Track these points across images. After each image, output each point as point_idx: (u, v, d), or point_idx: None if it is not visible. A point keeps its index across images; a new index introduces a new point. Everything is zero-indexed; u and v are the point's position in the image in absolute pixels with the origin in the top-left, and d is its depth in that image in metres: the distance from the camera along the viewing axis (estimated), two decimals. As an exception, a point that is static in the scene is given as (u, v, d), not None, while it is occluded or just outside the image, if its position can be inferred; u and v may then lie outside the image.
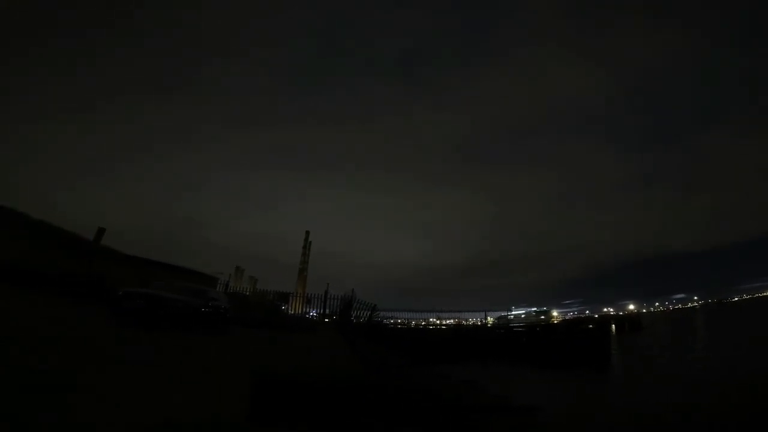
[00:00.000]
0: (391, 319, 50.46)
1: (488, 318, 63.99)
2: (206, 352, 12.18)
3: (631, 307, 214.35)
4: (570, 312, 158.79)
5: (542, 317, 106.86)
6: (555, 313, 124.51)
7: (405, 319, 54.56)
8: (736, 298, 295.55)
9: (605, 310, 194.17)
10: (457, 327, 58.29)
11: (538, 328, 55.31)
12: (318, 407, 7.01)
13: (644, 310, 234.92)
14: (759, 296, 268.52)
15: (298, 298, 44.56)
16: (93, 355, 8.22)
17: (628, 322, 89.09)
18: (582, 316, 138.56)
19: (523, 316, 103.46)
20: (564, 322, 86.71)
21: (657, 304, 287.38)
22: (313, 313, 40.66)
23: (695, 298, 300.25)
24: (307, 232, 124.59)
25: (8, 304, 12.68)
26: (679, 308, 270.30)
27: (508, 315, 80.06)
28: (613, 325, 75.92)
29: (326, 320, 35.98)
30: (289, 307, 42.86)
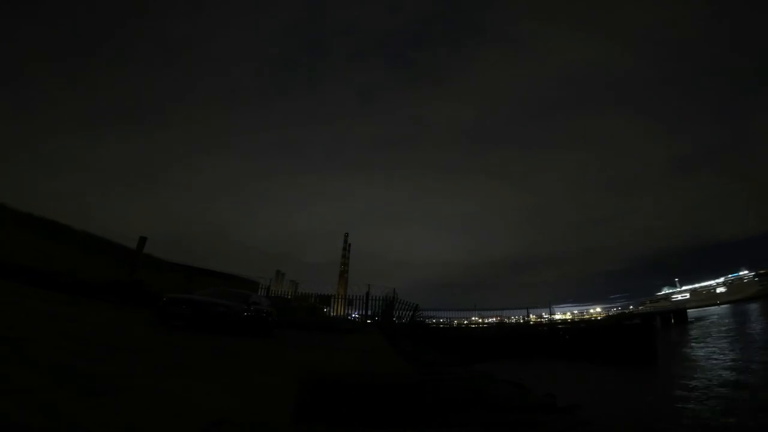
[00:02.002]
0: (433, 318, 50.14)
1: (531, 315, 63.08)
2: (251, 355, 12.15)
3: (677, 299, 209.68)
4: (614, 307, 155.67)
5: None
6: (598, 309, 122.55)
7: (447, 318, 54.28)
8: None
9: (649, 304, 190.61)
10: (500, 325, 57.70)
11: (583, 325, 54.36)
12: (364, 407, 6.90)
13: (688, 303, 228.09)
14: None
15: (339, 300, 44.66)
16: (141, 359, 8.30)
17: (673, 315, 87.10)
18: (626, 311, 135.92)
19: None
20: (608, 318, 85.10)
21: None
22: (355, 314, 40.67)
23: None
24: (346, 234, 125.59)
25: (57, 312, 12.95)
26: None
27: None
28: (659, 319, 74.27)
29: (368, 321, 35.85)
30: (331, 309, 43.06)
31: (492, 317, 62.77)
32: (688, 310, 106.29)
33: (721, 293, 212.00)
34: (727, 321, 70.40)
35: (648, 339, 34.81)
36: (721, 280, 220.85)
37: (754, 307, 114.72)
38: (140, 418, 4.61)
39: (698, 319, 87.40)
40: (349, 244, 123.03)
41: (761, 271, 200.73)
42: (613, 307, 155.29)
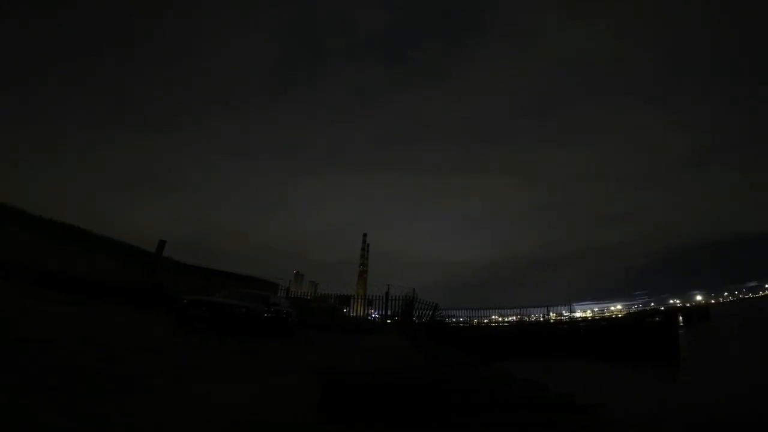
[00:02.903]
0: (453, 318, 49.97)
1: (551, 314, 62.66)
2: (271, 355, 12.18)
3: (699, 297, 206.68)
4: (635, 305, 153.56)
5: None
6: (619, 307, 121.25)
7: (466, 317, 54.08)
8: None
9: (671, 301, 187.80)
10: (520, 324, 57.34)
11: (603, 323, 53.79)
12: (385, 407, 6.84)
13: (713, 301, 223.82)
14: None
15: (359, 300, 44.67)
16: (162, 361, 8.34)
17: (696, 313, 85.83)
18: (647, 308, 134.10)
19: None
20: (629, 316, 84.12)
21: (726, 294, 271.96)
22: (374, 314, 40.65)
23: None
24: (365, 235, 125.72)
25: (79, 315, 13.10)
26: (749, 297, 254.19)
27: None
28: (681, 318, 73.34)
29: (388, 321, 35.81)
30: (351, 310, 43.06)
31: (512, 316, 62.44)
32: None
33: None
34: (747, 320, 69.03)
35: (670, 337, 34.25)
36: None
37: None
38: (163, 419, 4.63)
39: (720, 316, 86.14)
40: (368, 245, 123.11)
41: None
42: (635, 305, 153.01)
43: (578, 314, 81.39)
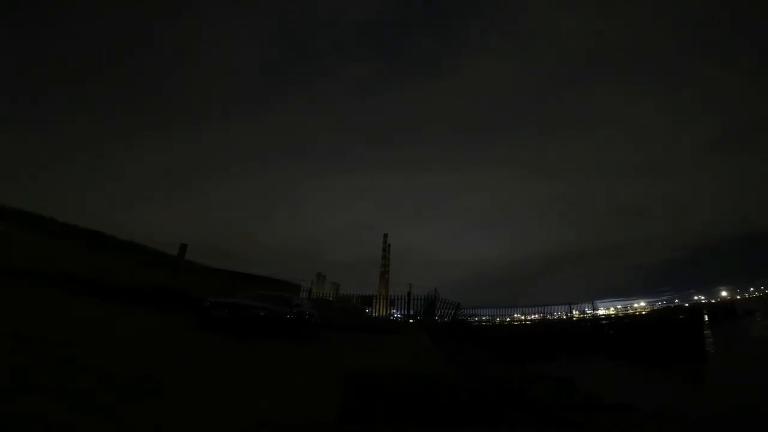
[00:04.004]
0: (475, 317, 49.86)
1: (573, 312, 62.13)
2: (294, 356, 12.28)
3: (724, 293, 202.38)
4: (659, 301, 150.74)
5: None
6: (642, 303, 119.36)
7: (489, 316, 53.91)
8: None
9: (696, 298, 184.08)
10: (543, 322, 57.01)
11: (626, 320, 53.18)
12: (407, 406, 6.87)
13: (738, 297, 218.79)
14: None
15: (381, 300, 44.77)
16: (185, 362, 8.47)
17: (721, 310, 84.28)
18: (671, 305, 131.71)
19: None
20: (653, 313, 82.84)
21: (752, 289, 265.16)
22: (397, 314, 40.70)
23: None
24: (385, 235, 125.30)
25: (105, 317, 13.37)
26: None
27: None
28: (706, 315, 72.04)
29: (410, 321, 35.83)
30: (373, 310, 43.16)
31: (534, 314, 62.08)
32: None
33: None
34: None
35: (695, 336, 33.74)
36: None
37: None
38: (190, 420, 4.74)
39: (748, 312, 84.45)
40: (389, 245, 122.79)
41: None
42: (659, 301, 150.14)
43: (601, 312, 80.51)
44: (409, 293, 37.03)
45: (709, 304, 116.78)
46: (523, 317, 59.96)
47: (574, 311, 61.64)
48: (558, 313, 61.61)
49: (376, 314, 41.73)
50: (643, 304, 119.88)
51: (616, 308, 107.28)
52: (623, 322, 48.85)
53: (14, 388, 4.54)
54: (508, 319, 56.69)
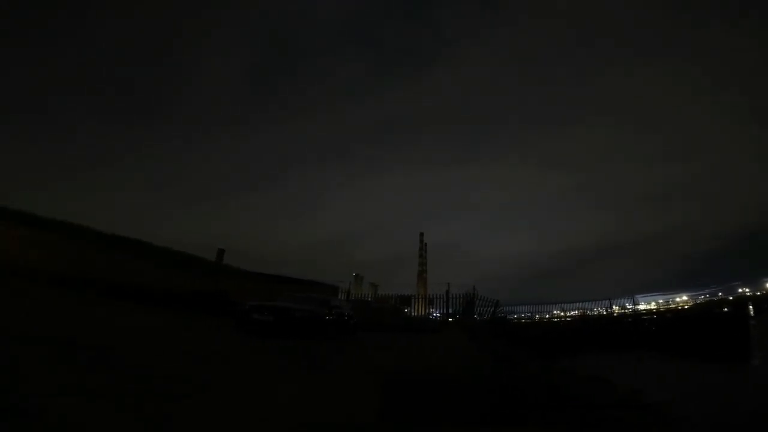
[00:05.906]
0: (514, 314, 49.47)
1: (614, 307, 61.03)
2: (334, 357, 12.34)
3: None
4: (702, 295, 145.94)
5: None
6: (685, 297, 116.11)
7: (528, 313, 53.41)
8: None
9: (741, 290, 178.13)
10: (582, 318, 56.19)
11: (668, 315, 52.02)
12: (446, 405, 6.85)
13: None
14: None
15: (420, 300, 44.71)
16: (225, 364, 8.63)
17: (767, 302, 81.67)
18: (715, 298, 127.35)
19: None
20: (695, 307, 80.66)
21: None
22: (436, 313, 40.59)
23: None
24: (421, 234, 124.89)
25: (148, 321, 13.74)
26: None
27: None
28: (751, 307, 69.64)
29: (449, 320, 35.71)
30: (412, 310, 43.14)
31: (574, 310, 61.24)
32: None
33: None
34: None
35: (740, 329, 32.70)
36: None
37: None
38: (232, 420, 4.80)
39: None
40: (425, 244, 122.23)
41: None
42: (701, 295, 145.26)
43: (642, 306, 78.71)
44: (447, 292, 36.88)
45: (754, 296, 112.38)
46: (562, 314, 59.23)
47: (614, 306, 60.61)
48: (598, 309, 60.62)
49: (415, 314, 41.72)
50: (685, 297, 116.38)
51: (657, 303, 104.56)
52: (665, 317, 47.78)
53: (67, 392, 4.70)
54: (547, 316, 56.05)
